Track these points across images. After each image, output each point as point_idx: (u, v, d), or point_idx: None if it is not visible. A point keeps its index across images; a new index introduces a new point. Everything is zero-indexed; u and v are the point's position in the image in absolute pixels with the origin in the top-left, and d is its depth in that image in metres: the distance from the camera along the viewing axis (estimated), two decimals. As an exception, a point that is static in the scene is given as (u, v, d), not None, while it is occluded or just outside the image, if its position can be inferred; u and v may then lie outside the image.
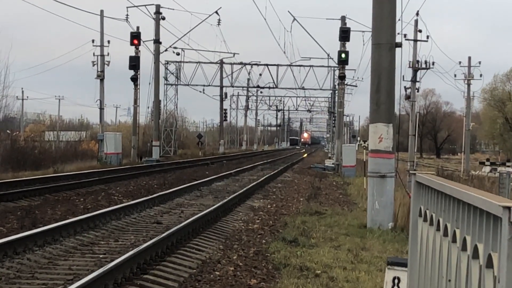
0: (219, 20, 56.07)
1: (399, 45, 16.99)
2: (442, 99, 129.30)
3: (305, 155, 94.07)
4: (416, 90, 52.82)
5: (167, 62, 64.83)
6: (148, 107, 56.25)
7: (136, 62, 48.71)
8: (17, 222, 15.22)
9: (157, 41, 51.40)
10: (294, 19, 49.81)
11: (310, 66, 64.95)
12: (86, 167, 37.75)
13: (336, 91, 57.98)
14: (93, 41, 48.23)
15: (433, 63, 51.05)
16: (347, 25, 46.30)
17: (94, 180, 27.42)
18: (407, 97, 52.47)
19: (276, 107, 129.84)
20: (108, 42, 48.50)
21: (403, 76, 48.00)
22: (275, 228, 15.89)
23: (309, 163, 58.13)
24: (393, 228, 15.76)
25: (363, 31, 46.80)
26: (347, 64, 46.86)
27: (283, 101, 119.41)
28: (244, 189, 25.05)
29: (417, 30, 49.64)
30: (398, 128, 21.35)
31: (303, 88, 69.14)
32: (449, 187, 4.39)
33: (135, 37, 48.14)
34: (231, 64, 68.23)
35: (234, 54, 68.24)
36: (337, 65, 51.04)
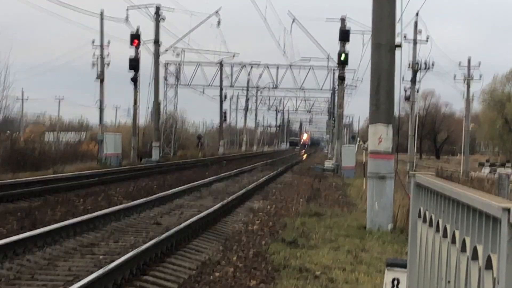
0: (219, 20, 56.15)
1: (399, 46, 17.00)
2: (441, 100, 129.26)
3: (305, 156, 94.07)
4: (416, 91, 52.88)
5: (167, 63, 64.90)
6: (148, 108, 56.30)
7: (136, 63, 48.75)
8: (17, 223, 15.22)
9: (157, 42, 51.44)
10: (294, 19, 49.93)
11: (310, 66, 65.06)
12: (86, 168, 37.75)
13: (336, 92, 57.99)
14: (93, 41, 48.26)
15: (432, 64, 51.14)
16: (347, 26, 46.32)
17: (94, 181, 27.44)
18: (407, 98, 52.51)
19: (276, 108, 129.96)
20: (108, 42, 48.56)
21: (403, 77, 48.17)
22: (274, 229, 15.89)
23: (309, 164, 58.13)
24: (393, 229, 15.76)
25: (363, 32, 46.84)
26: (347, 64, 46.89)
27: (283, 102, 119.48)
28: (244, 190, 25.06)
29: (417, 31, 49.70)
30: (397, 129, 21.35)
31: (302, 89, 69.32)
32: (449, 188, 4.40)
33: (135, 37, 48.18)
34: (231, 65, 68.29)
35: (234, 54, 68.32)
36: (337, 66, 51.07)
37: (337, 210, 20.63)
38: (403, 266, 6.79)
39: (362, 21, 54.22)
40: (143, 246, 11.37)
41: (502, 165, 53.73)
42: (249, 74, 71.39)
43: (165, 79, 65.05)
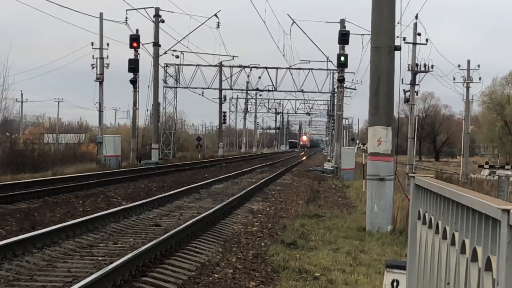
0: (218, 23, 56.13)
1: (398, 48, 17.01)
2: (441, 102, 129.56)
3: (304, 158, 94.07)
4: (415, 93, 52.86)
5: (166, 65, 64.84)
6: (147, 110, 56.31)
7: (135, 65, 48.73)
8: (16, 225, 15.22)
9: (156, 44, 51.40)
10: (293, 22, 49.85)
11: (309, 69, 65.02)
12: (85, 169, 37.76)
13: (335, 94, 57.98)
14: (92, 43, 48.28)
15: (432, 66, 51.14)
16: (346, 28, 46.33)
17: (93, 183, 27.42)
18: (406, 100, 52.50)
19: (275, 110, 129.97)
20: (108, 45, 48.58)
21: (402, 79, 48.19)
22: (274, 230, 15.89)
23: (308, 166, 58.12)
24: (392, 231, 15.77)
25: (362, 34, 46.87)
26: (346, 67, 46.88)
27: (282, 104, 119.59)
28: (243, 191, 25.05)
29: (416, 33, 49.67)
30: (397, 131, 21.36)
31: (302, 91, 69.25)
32: (448, 190, 4.40)
33: (135, 40, 48.16)
34: (230, 67, 68.29)
35: (233, 57, 68.39)
36: (336, 68, 51.06)
37: (337, 211, 20.64)
38: (403, 267, 6.79)
39: (361, 23, 54.17)
40: (142, 247, 11.37)
41: (502, 167, 53.66)
42: (248, 76, 71.39)
43: (164, 81, 65.03)
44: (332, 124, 70.32)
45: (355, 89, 76.20)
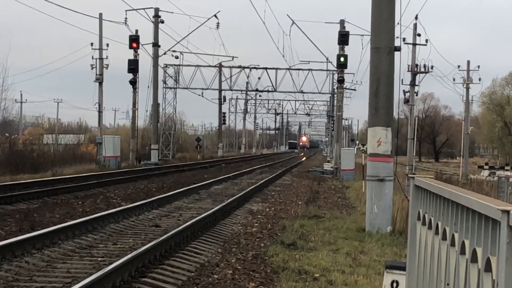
0: (218, 23, 56.15)
1: (398, 49, 17.00)
2: (441, 103, 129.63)
3: (304, 158, 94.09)
4: (415, 94, 52.86)
5: (166, 66, 64.83)
6: (147, 111, 56.39)
7: (135, 66, 48.72)
8: (16, 225, 15.21)
9: (156, 45, 51.40)
10: (293, 22, 49.89)
11: (309, 69, 65.00)
12: (85, 170, 37.75)
13: (335, 95, 57.99)
14: (92, 44, 48.24)
15: (432, 67, 51.11)
16: (346, 29, 46.35)
17: (92, 183, 27.42)
18: (406, 101, 52.50)
19: (275, 110, 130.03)
20: (107, 45, 48.53)
21: (402, 80, 48.10)
22: (273, 231, 15.89)
23: (308, 167, 58.12)
24: (392, 231, 15.77)
25: (362, 35, 46.91)
26: (346, 67, 46.89)
27: (282, 105, 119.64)
28: (243, 192, 25.05)
29: (416, 34, 49.65)
30: (396, 132, 21.36)
31: (302, 92, 69.22)
32: (448, 191, 4.40)
33: (134, 40, 48.15)
34: (230, 67, 68.28)
35: (233, 57, 68.31)
36: (336, 69, 51.06)
37: (336, 212, 20.64)
38: (402, 268, 6.79)
39: (361, 23, 54.22)
40: (142, 248, 11.36)
41: (502, 168, 53.67)
42: (248, 77, 71.40)
43: (164, 81, 65.04)
44: (332, 125, 70.31)
45: (354, 90, 76.32)
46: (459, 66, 61.64)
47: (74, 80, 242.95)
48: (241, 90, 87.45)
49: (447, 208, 4.45)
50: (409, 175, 6.00)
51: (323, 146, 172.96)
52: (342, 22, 47.16)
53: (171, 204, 21.34)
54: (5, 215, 16.96)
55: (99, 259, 11.57)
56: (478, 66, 62.52)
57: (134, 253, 10.82)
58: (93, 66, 47.97)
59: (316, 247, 13.57)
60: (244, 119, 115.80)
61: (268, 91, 71.28)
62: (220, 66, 69.03)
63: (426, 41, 49.79)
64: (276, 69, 66.02)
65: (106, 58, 48.15)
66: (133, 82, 49.25)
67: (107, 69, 48.41)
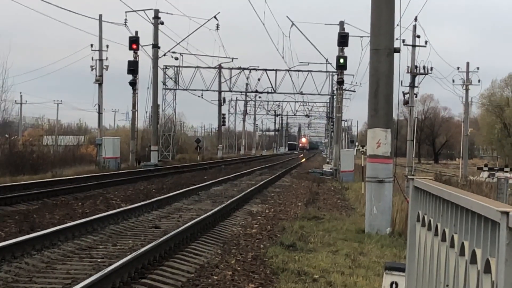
0: (217, 25, 56.18)
1: (398, 50, 17.02)
2: (440, 105, 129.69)
3: (303, 160, 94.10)
4: (414, 96, 52.88)
5: (166, 67, 64.83)
6: (147, 112, 56.44)
7: (134, 67, 48.74)
8: (15, 226, 15.21)
9: (155, 46, 51.41)
10: (293, 24, 49.94)
11: (309, 71, 65.00)
12: (85, 171, 37.75)
13: (335, 96, 57.99)
14: (91, 45, 48.31)
15: (431, 69, 51.13)
16: (346, 30, 46.38)
17: (92, 185, 27.42)
18: (405, 103, 52.52)
19: (275, 112, 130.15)
20: (107, 46, 48.61)
21: (402, 82, 48.14)
22: (273, 233, 15.89)
23: (307, 168, 58.12)
24: (391, 233, 15.76)
25: (362, 36, 46.90)
26: (345, 69, 46.92)
27: (282, 106, 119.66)
28: (242, 193, 25.06)
29: (415, 36, 49.67)
30: (396, 133, 21.38)
31: (301, 93, 69.22)
32: (447, 192, 4.40)
33: (134, 41, 48.17)
34: (230, 69, 68.28)
35: (232, 59, 68.31)
36: (335, 70, 51.09)
37: (336, 213, 20.64)
38: (402, 269, 6.79)
39: (360, 25, 54.33)
40: (142, 249, 11.37)
41: (501, 169, 53.71)
42: (247, 78, 71.42)
43: (164, 83, 65.03)
44: (331, 126, 70.31)
45: (354, 91, 76.36)
46: (458, 68, 61.72)
47: (74, 81, 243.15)
48: (241, 92, 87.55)
49: (446, 210, 4.46)
50: (409, 177, 6.02)
51: (323, 147, 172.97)
52: (341, 24, 47.19)
53: (171, 205, 21.34)
54: (5, 216, 16.96)
55: (99, 260, 11.57)
56: (478, 68, 62.61)
57: (133, 254, 10.83)
58: (93, 67, 48.01)
59: (315, 248, 13.58)
60: (244, 121, 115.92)
61: (267, 92, 71.29)
62: (219, 67, 69.05)
63: (426, 42, 49.84)
64: (276, 70, 66.05)
65: (106, 59, 48.26)
66: (133, 84, 49.27)
67: (107, 70, 48.52)
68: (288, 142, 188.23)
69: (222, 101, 78.10)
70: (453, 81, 61.63)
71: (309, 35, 66.66)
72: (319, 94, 68.83)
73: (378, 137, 16.32)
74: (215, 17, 55.40)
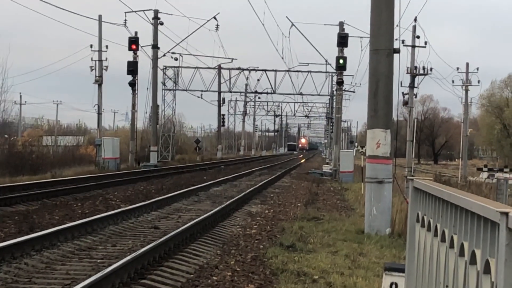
0: (217, 25, 56.16)
1: (397, 51, 17.02)
2: (440, 105, 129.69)
3: (303, 160, 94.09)
4: (414, 96, 52.89)
5: (165, 67, 64.81)
6: (146, 112, 56.42)
7: (134, 67, 48.73)
8: (15, 227, 15.21)
9: (155, 46, 51.41)
10: (292, 24, 49.93)
11: (308, 71, 64.98)
12: (84, 172, 37.74)
13: (334, 97, 58.01)
14: (91, 46, 48.30)
15: (431, 69, 51.13)
16: (345, 31, 46.38)
17: (91, 185, 27.41)
18: (405, 103, 52.52)
19: (274, 112, 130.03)
20: (106, 47, 48.59)
21: (401, 82, 48.16)
22: (272, 233, 15.89)
23: (307, 169, 58.13)
24: (391, 233, 15.77)
25: (361, 37, 46.90)
26: (345, 69, 46.91)
27: (281, 107, 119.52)
28: (242, 194, 25.06)
29: (415, 36, 49.68)
30: (396, 134, 21.38)
31: (301, 94, 69.20)
32: (447, 193, 4.40)
33: (133, 42, 48.17)
34: (229, 69, 68.28)
35: (232, 59, 68.30)
36: (335, 71, 51.08)
37: (335, 214, 20.64)
38: (401, 270, 6.79)
39: (360, 25, 54.36)
40: (141, 250, 11.36)
41: (500, 170, 53.73)
42: (247, 79, 71.42)
43: (163, 83, 65.02)
44: (331, 127, 70.32)
45: (354, 92, 76.29)
46: (458, 68, 61.72)
47: (74, 81, 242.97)
48: (240, 92, 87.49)
49: (446, 210, 4.46)
50: (408, 177, 6.02)
51: (322, 148, 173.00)
52: (341, 24, 47.20)
53: (170, 206, 21.33)
54: (4, 217, 16.96)
55: (98, 260, 11.57)
56: (477, 68, 62.63)
57: (133, 254, 10.82)
58: (93, 68, 48.00)
59: (315, 249, 13.57)
60: (243, 121, 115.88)
61: (267, 93, 71.24)
62: (219, 68, 69.04)
63: (425, 43, 49.84)
64: (275, 71, 66.03)
65: (106, 60, 48.25)
66: (133, 84, 49.27)
67: (107, 71, 48.52)
68: (288, 143, 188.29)
69: (221, 102, 78.07)
70: (453, 81, 61.69)
71: (308, 36, 66.52)
72: (318, 95, 68.83)
73: (377, 138, 16.32)
74: (214, 17, 55.44)
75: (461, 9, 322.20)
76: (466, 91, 62.95)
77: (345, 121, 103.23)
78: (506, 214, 3.05)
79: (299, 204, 23.73)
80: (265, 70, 66.52)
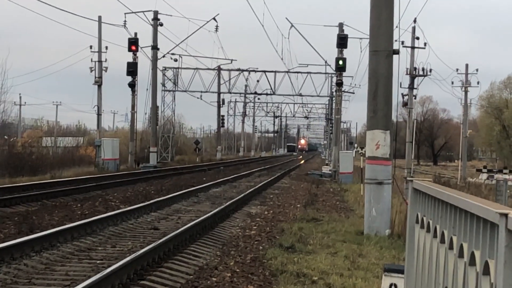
0: (216, 26, 56.12)
1: (397, 52, 17.02)
2: (439, 106, 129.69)
3: (302, 161, 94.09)
4: (414, 97, 52.91)
5: (165, 68, 64.80)
6: (146, 113, 56.38)
7: (133, 68, 48.74)
8: (15, 228, 15.21)
9: (155, 47, 51.40)
10: (292, 25, 49.90)
11: (308, 72, 64.95)
12: (84, 172, 37.74)
13: (334, 98, 58.02)
14: (91, 47, 48.24)
15: (430, 70, 51.17)
16: (345, 32, 46.39)
17: (91, 186, 27.41)
18: (405, 104, 52.53)
19: (274, 113, 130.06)
20: (106, 48, 48.54)
21: (401, 83, 48.14)
22: (272, 234, 15.89)
23: (306, 170, 58.12)
24: (390, 235, 15.77)
25: (361, 38, 46.92)
26: (344, 71, 46.93)
27: (281, 108, 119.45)
28: (241, 195, 25.06)
29: (414, 37, 49.70)
30: (395, 135, 21.38)
31: (300, 95, 69.14)
32: (446, 194, 4.41)
33: (133, 43, 48.17)
34: (229, 70, 68.26)
35: (231, 60, 68.27)
36: (334, 72, 51.09)
37: (335, 215, 20.64)
38: (401, 271, 6.80)
39: (360, 26, 54.34)
40: (141, 250, 11.36)
41: (500, 171, 53.70)
42: (246, 80, 71.37)
43: (163, 84, 65.00)
44: (330, 128, 70.33)
45: (353, 93, 76.12)
46: (457, 70, 61.78)
47: (73, 82, 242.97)
48: (240, 93, 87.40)
49: (445, 211, 4.47)
50: (408, 178, 6.02)
51: (322, 149, 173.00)
52: (341, 25, 47.21)
53: (170, 207, 21.33)
54: (4, 218, 16.96)
55: (98, 261, 11.57)
56: (477, 70, 62.70)
57: (132, 255, 10.82)
58: (92, 68, 47.96)
59: (314, 250, 13.58)
60: (243, 122, 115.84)
61: (266, 94, 71.20)
62: (219, 69, 69.03)
63: (425, 44, 49.88)
64: (275, 72, 66.00)
65: (105, 60, 48.17)
66: (132, 85, 49.28)
67: (106, 72, 48.43)
68: (287, 144, 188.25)
69: (221, 103, 78.07)
70: (452, 83, 61.75)
71: (308, 37, 66.68)
72: (318, 96, 68.81)
73: (377, 139, 16.32)
74: (214, 18, 55.38)
75: (461, 9, 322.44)
76: (466, 92, 63.01)
77: (345, 122, 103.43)
78: (506, 215, 3.05)
79: (298, 205, 23.73)
80: (264, 71, 66.52)
